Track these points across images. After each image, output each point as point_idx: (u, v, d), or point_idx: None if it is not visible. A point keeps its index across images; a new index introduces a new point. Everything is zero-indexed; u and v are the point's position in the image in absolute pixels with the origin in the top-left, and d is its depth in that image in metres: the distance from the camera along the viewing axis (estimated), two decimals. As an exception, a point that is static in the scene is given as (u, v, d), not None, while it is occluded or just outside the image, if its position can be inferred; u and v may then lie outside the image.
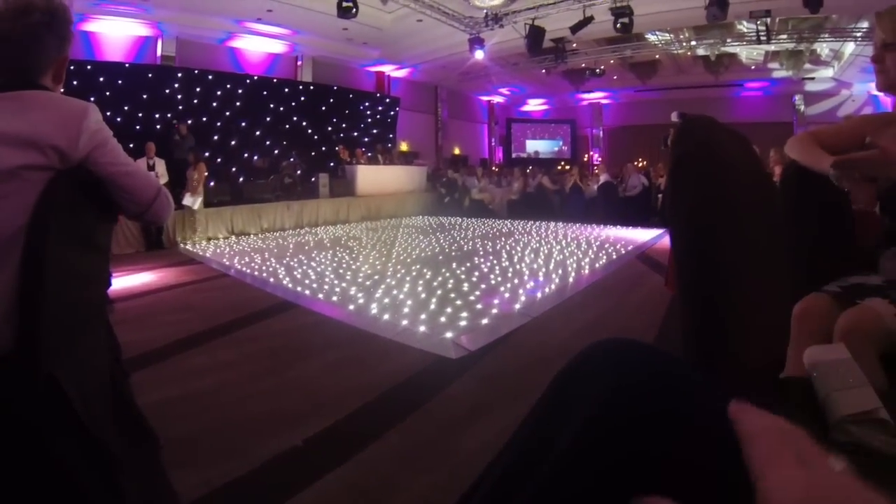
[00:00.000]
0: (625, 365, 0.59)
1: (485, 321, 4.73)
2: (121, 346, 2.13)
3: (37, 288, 1.41)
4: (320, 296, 5.83)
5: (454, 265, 7.45)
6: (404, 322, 4.74)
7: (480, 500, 0.67)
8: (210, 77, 14.57)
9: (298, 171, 14.59)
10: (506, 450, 0.69)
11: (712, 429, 0.52)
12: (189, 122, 13.08)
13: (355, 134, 18.14)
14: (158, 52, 14.36)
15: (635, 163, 15.46)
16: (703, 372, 0.65)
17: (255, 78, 15.86)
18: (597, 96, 25.04)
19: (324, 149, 16.91)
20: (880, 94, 2.02)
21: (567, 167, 18.63)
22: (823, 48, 16.88)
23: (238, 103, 15.02)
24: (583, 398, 0.59)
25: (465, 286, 6.10)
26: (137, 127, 12.68)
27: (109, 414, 1.70)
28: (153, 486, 2.09)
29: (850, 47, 15.97)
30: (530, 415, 0.67)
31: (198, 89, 14.23)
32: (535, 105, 27.94)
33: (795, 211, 2.04)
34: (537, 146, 26.61)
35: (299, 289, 6.19)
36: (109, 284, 1.91)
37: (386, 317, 4.93)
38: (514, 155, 26.14)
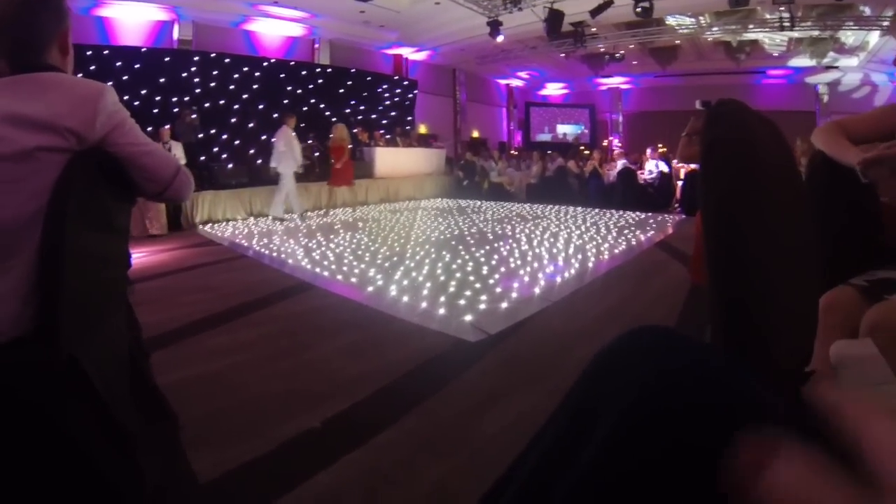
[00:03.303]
0: (663, 354, 0.57)
1: (504, 305, 4.70)
2: (141, 327, 2.13)
3: (57, 270, 1.40)
4: (339, 277, 5.83)
5: (473, 248, 7.44)
6: (423, 304, 4.74)
7: (521, 483, 0.65)
8: (227, 60, 14.57)
9: (316, 154, 14.60)
10: (541, 437, 0.67)
11: (756, 419, 0.50)
12: (194, 108, 13.04)
13: (373, 116, 18.11)
14: (175, 36, 14.41)
15: (655, 148, 15.26)
16: (731, 359, 0.63)
17: (273, 61, 15.86)
18: (616, 81, 24.84)
19: (342, 131, 16.95)
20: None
21: (587, 151, 18.50)
22: (848, 36, 16.59)
23: (256, 86, 15.02)
24: (622, 386, 0.57)
25: (485, 269, 6.08)
26: (155, 111, 12.74)
27: (129, 394, 1.70)
28: (171, 465, 2.10)
29: (875, 36, 15.72)
30: (565, 401, 0.65)
31: (215, 73, 14.24)
32: (553, 89, 27.77)
33: (822, 202, 2.00)
34: (565, 129, 26.43)
35: (318, 270, 6.21)
36: (129, 265, 1.91)
37: (405, 299, 4.92)
38: (536, 138, 26.00)
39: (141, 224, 9.66)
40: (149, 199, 1.82)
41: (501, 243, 7.90)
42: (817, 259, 1.71)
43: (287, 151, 11.00)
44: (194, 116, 12.29)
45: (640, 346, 0.61)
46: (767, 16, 14.98)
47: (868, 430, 0.40)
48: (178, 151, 10.44)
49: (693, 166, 9.46)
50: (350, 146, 13.23)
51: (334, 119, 15.80)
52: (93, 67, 11.67)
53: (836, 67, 19.12)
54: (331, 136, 12.72)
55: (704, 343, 0.61)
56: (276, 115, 15.03)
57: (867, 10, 13.96)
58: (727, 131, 1.42)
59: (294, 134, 11.20)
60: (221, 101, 14.29)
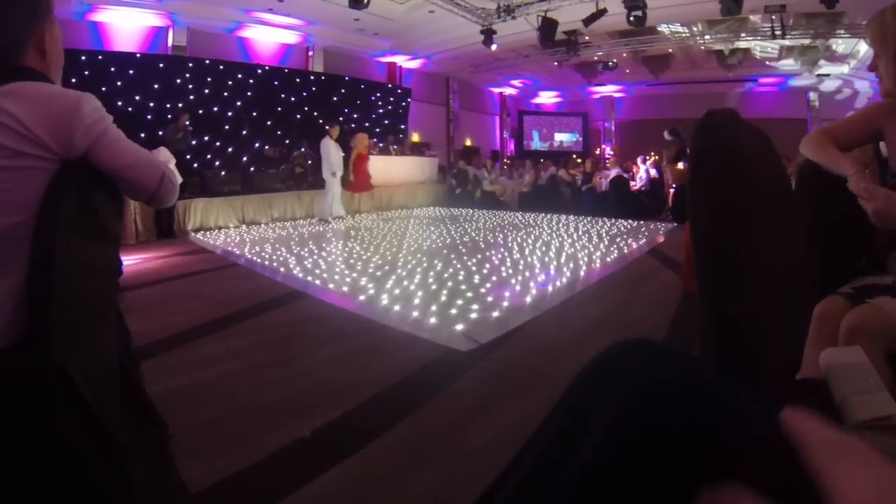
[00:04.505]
0: (653, 367, 0.57)
1: (495, 314, 4.70)
2: (131, 335, 2.13)
3: (46, 279, 1.40)
4: (331, 286, 5.82)
5: (465, 257, 7.43)
6: (415, 313, 4.73)
7: (509, 493, 0.65)
8: (221, 67, 14.57)
9: (309, 161, 14.61)
10: (529, 449, 0.67)
11: (745, 436, 0.50)
12: (199, 111, 13.09)
13: (367, 124, 18.01)
14: (170, 43, 14.38)
15: (646, 156, 15.33)
16: (722, 371, 0.63)
17: (267, 68, 15.86)
18: (609, 89, 24.97)
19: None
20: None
21: (579, 160, 18.59)
22: (839, 44, 16.69)
23: (249, 93, 15.02)
24: (609, 399, 0.57)
25: (476, 278, 6.07)
26: (149, 116, 12.74)
27: (118, 403, 1.69)
28: (161, 474, 2.10)
29: (865, 45, 15.82)
30: (553, 413, 0.65)
31: (209, 79, 14.22)
32: (546, 98, 27.87)
33: (812, 212, 2.02)
34: (562, 137, 26.50)
35: (309, 279, 6.19)
36: (120, 273, 1.90)
37: (396, 308, 4.91)
38: (530, 146, 26.01)
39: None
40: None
41: (493, 252, 7.90)
42: (806, 268, 1.72)
43: (325, 160, 12.03)
44: (189, 125, 12.19)
45: (628, 359, 0.61)
46: (759, 21, 15.05)
47: (836, 480, 0.39)
48: (161, 156, 10.01)
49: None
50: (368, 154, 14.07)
51: (327, 127, 15.86)
52: (87, 73, 11.66)
53: (828, 75, 19.24)
54: (352, 144, 13.36)
55: (693, 356, 0.61)
56: (269, 123, 15.06)
57: (859, 19, 14.02)
58: (717, 142, 1.42)
59: (332, 143, 12.05)
60: (215, 108, 14.28)
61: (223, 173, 13.08)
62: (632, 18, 12.81)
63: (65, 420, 1.42)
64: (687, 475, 0.49)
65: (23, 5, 1.58)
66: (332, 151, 11.92)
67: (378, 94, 19.08)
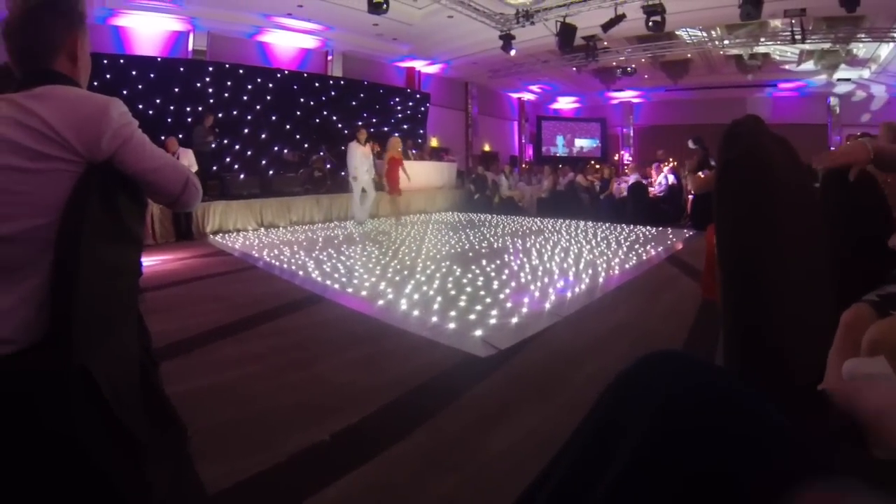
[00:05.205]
0: (683, 379, 0.57)
1: (514, 320, 4.67)
2: (151, 336, 2.14)
3: (70, 282, 1.41)
4: (349, 290, 5.82)
5: (484, 262, 7.40)
6: (433, 318, 4.72)
7: None
8: (241, 71, 14.71)
9: (328, 165, 14.67)
10: (561, 458, 0.66)
11: (773, 446, 0.50)
12: (219, 115, 13.21)
13: (385, 129, 18.05)
14: (190, 47, 14.55)
15: (664, 163, 15.28)
16: (746, 380, 0.63)
17: (286, 72, 15.99)
18: (628, 95, 24.89)
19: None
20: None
21: (597, 166, 18.54)
22: (860, 48, 16.54)
23: (269, 97, 15.14)
24: (642, 410, 0.56)
25: (495, 284, 6.05)
26: (169, 120, 12.89)
27: (139, 403, 1.70)
28: (179, 475, 2.10)
29: (886, 49, 15.66)
30: (585, 424, 0.64)
31: (229, 83, 14.36)
32: (565, 103, 27.82)
33: (838, 218, 1.99)
34: (582, 143, 26.50)
35: (328, 282, 6.20)
36: (140, 274, 1.91)
37: (415, 313, 4.90)
38: (548, 151, 25.99)
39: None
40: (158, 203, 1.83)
41: (512, 257, 7.88)
42: (830, 276, 1.70)
43: (349, 163, 11.98)
44: (216, 130, 12.33)
45: (658, 371, 0.60)
46: (779, 25, 14.93)
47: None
48: (186, 160, 10.22)
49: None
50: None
51: (346, 131, 15.90)
52: (108, 76, 11.80)
53: (848, 80, 19.05)
54: (387, 148, 13.42)
55: (722, 368, 0.61)
56: (288, 127, 15.13)
57: (880, 22, 13.89)
58: (741, 152, 1.41)
59: (355, 146, 11.93)
60: (234, 112, 14.41)
61: (242, 176, 13.16)
62: (651, 24, 12.77)
63: (85, 420, 1.42)
64: (722, 484, 0.49)
65: (59, 11, 1.62)
66: (355, 155, 11.86)
67: (397, 99, 19.15)
